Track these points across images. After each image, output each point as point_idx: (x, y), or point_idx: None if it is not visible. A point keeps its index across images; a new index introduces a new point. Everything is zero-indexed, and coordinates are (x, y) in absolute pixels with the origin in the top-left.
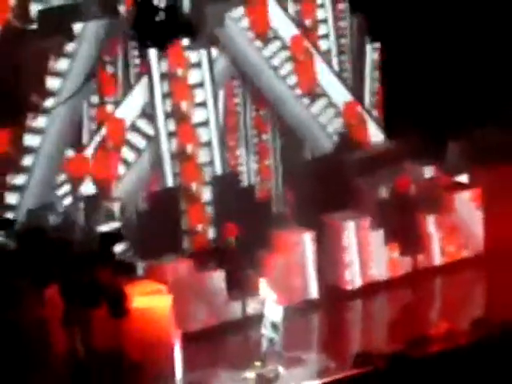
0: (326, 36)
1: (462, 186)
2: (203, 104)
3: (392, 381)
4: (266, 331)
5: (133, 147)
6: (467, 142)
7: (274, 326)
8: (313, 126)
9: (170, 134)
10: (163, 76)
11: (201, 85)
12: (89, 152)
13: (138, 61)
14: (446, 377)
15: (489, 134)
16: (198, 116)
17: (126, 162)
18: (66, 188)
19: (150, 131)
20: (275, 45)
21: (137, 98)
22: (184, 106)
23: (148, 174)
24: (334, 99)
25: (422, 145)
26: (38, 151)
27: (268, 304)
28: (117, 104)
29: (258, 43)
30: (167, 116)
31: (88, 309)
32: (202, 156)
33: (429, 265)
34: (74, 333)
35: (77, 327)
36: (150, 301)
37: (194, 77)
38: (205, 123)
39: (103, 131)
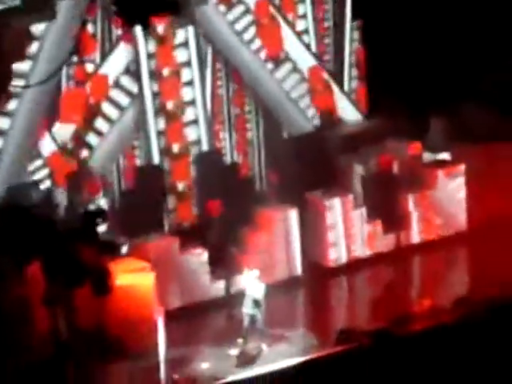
0: (303, 16)
1: (444, 164)
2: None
3: (376, 358)
4: (249, 309)
5: (116, 104)
6: (450, 119)
7: (257, 304)
8: (280, 95)
9: (155, 94)
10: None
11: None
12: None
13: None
14: (430, 354)
15: (471, 112)
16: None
17: (109, 120)
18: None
19: (134, 89)
20: (239, 9)
21: (120, 55)
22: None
23: (131, 132)
24: (298, 64)
25: (404, 122)
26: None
27: (250, 281)
28: (98, 63)
29: (222, 8)
30: (151, 74)
31: (71, 287)
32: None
33: (412, 242)
34: (57, 311)
35: (60, 305)
36: (133, 278)
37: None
38: (190, 83)
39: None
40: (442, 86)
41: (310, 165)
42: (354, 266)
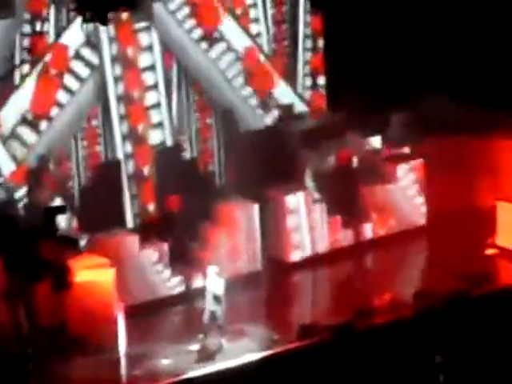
0: (253, 5)
1: (404, 158)
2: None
3: (336, 352)
4: (209, 304)
5: (76, 76)
6: (409, 113)
7: (217, 299)
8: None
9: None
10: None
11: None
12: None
13: None
14: (390, 348)
15: (431, 106)
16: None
17: (69, 91)
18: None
19: (95, 60)
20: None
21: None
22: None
23: (90, 103)
24: (233, 45)
25: (365, 116)
26: None
27: (210, 277)
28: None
29: None
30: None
31: (31, 282)
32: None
33: (372, 236)
34: (17, 306)
35: (20, 301)
36: (93, 275)
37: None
38: (150, 67)
39: (46, 59)
40: (401, 80)
41: (270, 160)
42: (314, 260)
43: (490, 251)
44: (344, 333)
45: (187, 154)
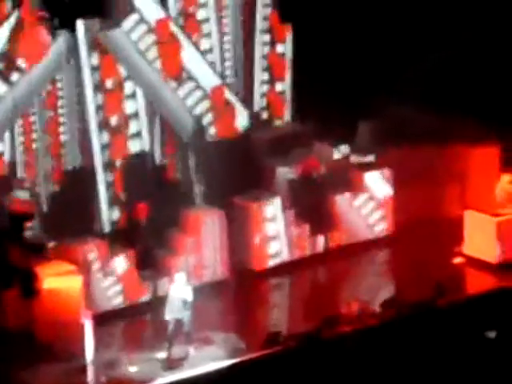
0: (206, 20)
1: (371, 166)
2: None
3: (303, 360)
4: (176, 312)
5: None
6: (377, 122)
7: (184, 306)
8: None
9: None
10: None
11: None
12: None
13: None
14: (357, 356)
15: (398, 115)
16: None
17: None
18: None
19: None
20: (141, 28)
21: None
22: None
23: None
24: (201, 83)
25: (331, 125)
26: None
27: (177, 284)
28: None
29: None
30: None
31: None
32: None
33: (340, 245)
34: None
35: None
36: (60, 281)
37: None
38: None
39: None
40: (368, 89)
41: (238, 168)
42: (282, 268)
43: (457, 260)
44: (311, 341)
45: (155, 161)
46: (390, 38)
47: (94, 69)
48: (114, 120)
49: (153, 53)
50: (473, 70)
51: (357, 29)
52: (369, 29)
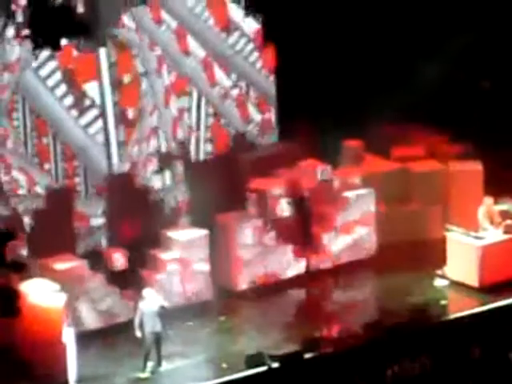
0: None
1: (356, 186)
2: None
3: (285, 381)
4: (154, 330)
5: None
6: (361, 142)
7: (162, 312)
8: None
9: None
10: None
11: None
12: None
13: None
14: (338, 378)
15: (382, 134)
16: None
17: None
18: None
19: None
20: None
21: None
22: None
23: None
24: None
25: (316, 145)
26: None
27: (148, 299)
28: None
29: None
30: None
31: None
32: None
33: (322, 266)
34: None
35: None
36: (42, 300)
37: None
38: None
39: None
40: (352, 108)
41: (222, 187)
42: (264, 289)
43: (439, 282)
44: (292, 362)
45: (139, 180)
46: (373, 57)
47: None
48: None
49: None
50: (457, 91)
51: (339, 49)
52: (355, 50)
